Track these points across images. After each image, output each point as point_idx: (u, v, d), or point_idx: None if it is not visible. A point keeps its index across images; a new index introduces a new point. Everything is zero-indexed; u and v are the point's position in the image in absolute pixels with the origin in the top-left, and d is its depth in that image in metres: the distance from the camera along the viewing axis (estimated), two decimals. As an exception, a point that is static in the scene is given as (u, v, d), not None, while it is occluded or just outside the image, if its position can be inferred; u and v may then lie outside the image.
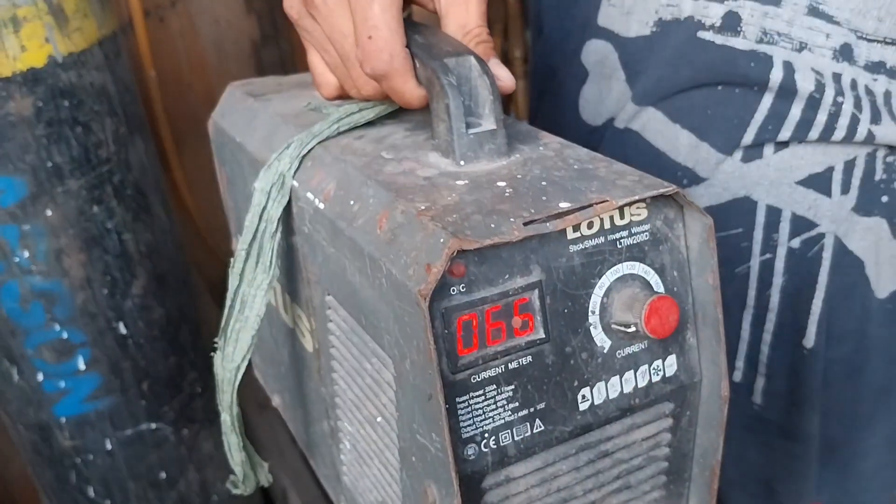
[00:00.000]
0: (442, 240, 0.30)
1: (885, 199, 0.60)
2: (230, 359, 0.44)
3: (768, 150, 0.59)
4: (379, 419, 0.38)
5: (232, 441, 0.46)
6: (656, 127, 0.62)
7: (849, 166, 0.60)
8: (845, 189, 0.60)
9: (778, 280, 0.62)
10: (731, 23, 0.57)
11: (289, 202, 0.43)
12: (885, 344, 0.66)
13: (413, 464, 0.35)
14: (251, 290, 0.43)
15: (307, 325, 0.46)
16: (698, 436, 0.41)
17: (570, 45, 0.65)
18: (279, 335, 0.54)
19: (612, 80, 0.64)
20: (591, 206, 0.33)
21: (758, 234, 0.60)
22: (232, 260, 0.44)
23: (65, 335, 0.87)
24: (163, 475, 1.03)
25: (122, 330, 0.90)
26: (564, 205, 0.33)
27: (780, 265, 0.62)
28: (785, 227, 0.61)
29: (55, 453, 0.97)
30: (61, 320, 0.87)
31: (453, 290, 0.31)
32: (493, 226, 0.32)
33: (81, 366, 0.90)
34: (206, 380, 1.06)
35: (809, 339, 0.64)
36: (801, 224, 0.60)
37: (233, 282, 0.44)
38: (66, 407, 0.92)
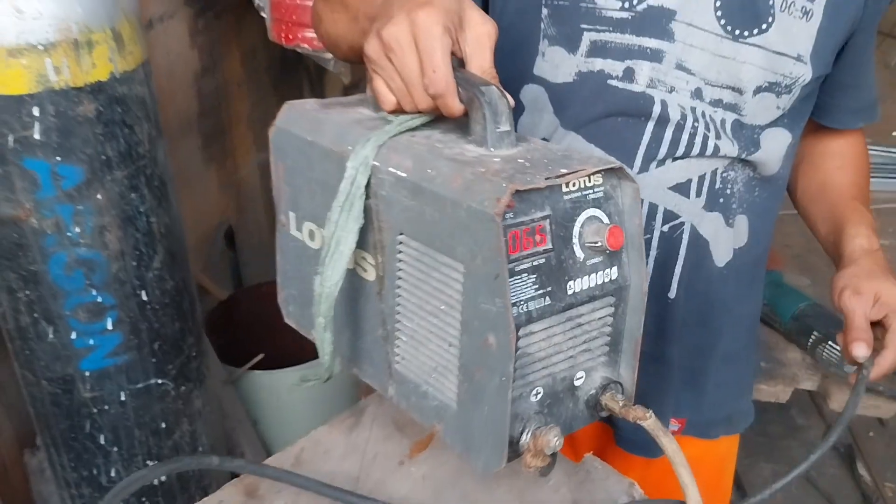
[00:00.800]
0: (504, 185, 0.55)
1: (721, 200, 0.91)
2: (329, 279, 0.67)
3: (652, 165, 0.87)
4: (443, 307, 0.62)
5: (326, 338, 0.69)
6: (578, 146, 0.88)
7: (701, 178, 0.89)
8: (698, 193, 0.90)
9: (653, 252, 0.90)
10: (629, 74, 0.85)
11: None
12: (723, 297, 0.96)
13: (475, 326, 0.59)
14: (344, 234, 0.66)
15: (371, 262, 0.69)
16: (627, 319, 0.67)
17: (511, 87, 0.91)
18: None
19: (544, 113, 0.90)
20: (575, 172, 0.59)
21: (642, 221, 0.90)
22: (329, 214, 0.66)
23: (99, 299, 1.05)
24: (163, 425, 1.21)
25: (144, 297, 1.09)
26: (563, 170, 0.59)
27: (654, 242, 0.90)
28: (659, 217, 0.89)
29: (74, 404, 1.14)
30: (97, 286, 1.05)
31: (507, 217, 0.56)
32: (528, 179, 0.56)
33: (109, 326, 1.08)
34: (200, 345, 1.26)
35: (672, 293, 0.92)
36: (669, 215, 0.89)
37: (329, 229, 0.66)
38: (92, 362, 1.11)
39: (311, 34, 1.44)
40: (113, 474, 1.17)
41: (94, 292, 1.04)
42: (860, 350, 0.83)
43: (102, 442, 1.18)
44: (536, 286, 0.59)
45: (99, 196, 0.98)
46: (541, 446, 0.61)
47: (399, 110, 0.69)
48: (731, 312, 0.99)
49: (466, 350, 0.61)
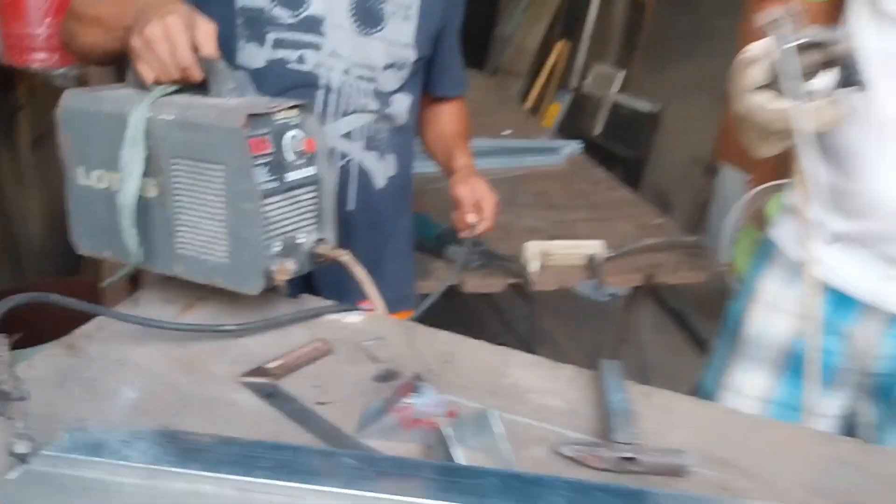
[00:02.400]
0: (242, 112, 0.95)
1: (374, 143, 1.39)
2: (127, 193, 1.01)
3: (327, 121, 1.30)
4: (210, 197, 1.00)
5: (131, 234, 1.02)
6: None
7: (359, 129, 1.35)
8: (358, 139, 1.35)
9: (345, 178, 1.34)
10: (301, 60, 1.28)
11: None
12: (385, 210, 1.43)
13: (235, 202, 0.97)
14: (132, 163, 1.01)
15: (153, 183, 1.04)
16: (324, 200, 1.09)
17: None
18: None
19: (249, 89, 1.30)
20: (280, 106, 1.00)
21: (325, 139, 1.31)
22: (120, 153, 1.01)
23: None
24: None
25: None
26: (272, 105, 1.00)
27: (345, 170, 1.33)
28: (337, 155, 1.33)
29: None
30: None
31: (247, 131, 0.95)
32: (254, 110, 0.97)
33: None
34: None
35: (350, 205, 1.37)
36: (342, 155, 1.34)
37: (122, 162, 1.01)
38: None
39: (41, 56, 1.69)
40: None
41: None
42: (471, 217, 1.34)
43: None
44: (268, 175, 0.99)
45: None
46: (284, 270, 1.01)
47: (157, 82, 1.05)
48: (392, 221, 1.46)
49: (231, 220, 1.00)
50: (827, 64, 0.93)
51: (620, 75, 4.61)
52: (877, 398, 1.19)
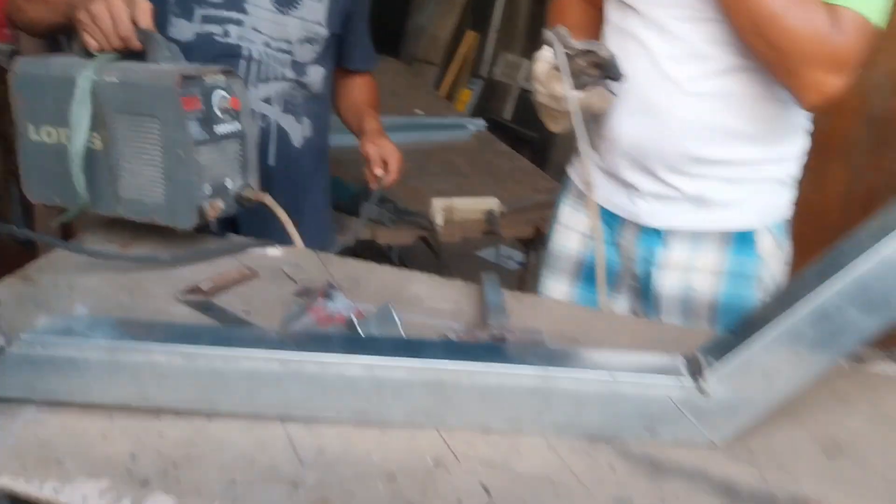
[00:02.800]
0: (176, 73, 1.13)
1: (291, 108, 1.58)
2: (77, 142, 1.18)
3: (250, 87, 1.49)
4: (148, 146, 1.18)
5: (80, 178, 1.20)
6: None
7: (277, 94, 1.53)
8: (276, 104, 1.54)
9: (266, 137, 1.53)
10: (226, 33, 1.47)
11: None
12: (303, 167, 1.63)
13: (171, 149, 1.16)
14: (80, 118, 1.18)
15: (98, 137, 1.22)
16: (249, 151, 1.28)
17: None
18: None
19: (180, 59, 1.48)
20: (209, 70, 1.19)
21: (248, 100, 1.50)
22: (70, 110, 1.18)
23: None
24: None
25: None
26: (202, 69, 1.18)
27: (265, 130, 1.52)
28: (258, 117, 1.50)
29: None
30: None
31: (180, 90, 1.14)
32: (186, 72, 1.15)
33: None
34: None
35: (270, 161, 1.56)
36: (263, 117, 1.54)
37: (71, 117, 1.18)
38: None
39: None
40: None
41: None
42: (378, 171, 1.55)
43: None
44: (199, 128, 1.18)
45: None
46: (215, 207, 1.20)
47: (101, 51, 1.22)
48: (309, 178, 1.65)
49: (167, 166, 1.18)
50: (595, 65, 1.24)
51: (527, 64, 4.89)
52: (642, 296, 1.46)
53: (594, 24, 1.43)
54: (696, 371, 0.90)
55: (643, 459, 0.89)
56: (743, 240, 1.36)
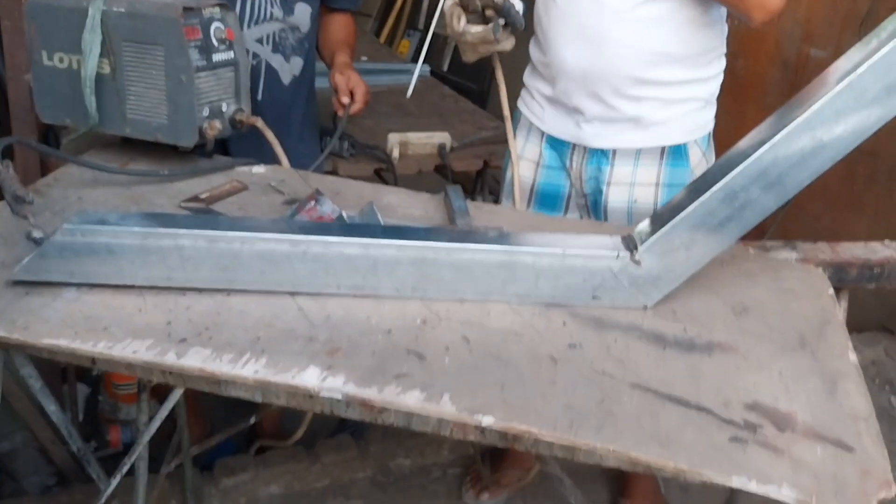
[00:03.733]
0: (179, 5, 1.28)
1: (280, 48, 1.73)
2: (89, 66, 1.32)
3: (244, 27, 1.62)
4: (153, 71, 1.32)
5: (92, 100, 1.33)
6: None
7: (268, 35, 1.68)
8: (267, 43, 1.69)
9: (256, 75, 1.67)
10: None
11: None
12: (290, 102, 1.78)
13: (173, 74, 1.30)
14: (92, 44, 1.31)
15: (107, 62, 1.35)
16: (241, 78, 1.43)
17: None
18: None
19: None
20: (205, 3, 1.34)
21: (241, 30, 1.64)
22: (82, 37, 1.31)
23: None
24: None
25: None
26: (201, 2, 1.33)
27: (256, 69, 1.66)
28: (250, 56, 1.64)
29: None
30: None
31: (182, 20, 1.29)
32: (188, 4, 1.30)
33: None
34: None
35: (259, 96, 1.71)
36: (254, 55, 1.68)
37: (83, 44, 1.31)
38: None
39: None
40: None
41: None
42: (345, 99, 1.70)
43: None
44: (198, 55, 1.32)
45: None
46: (213, 127, 1.35)
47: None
48: (295, 112, 1.81)
49: (170, 88, 1.33)
50: (494, 8, 1.35)
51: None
52: (591, 212, 1.67)
53: None
54: (631, 247, 1.10)
55: (590, 318, 1.10)
56: (676, 153, 1.58)
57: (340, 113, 1.73)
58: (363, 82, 1.76)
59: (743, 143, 1.09)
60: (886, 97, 1.00)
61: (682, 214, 1.07)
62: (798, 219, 3.15)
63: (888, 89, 0.99)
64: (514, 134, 1.70)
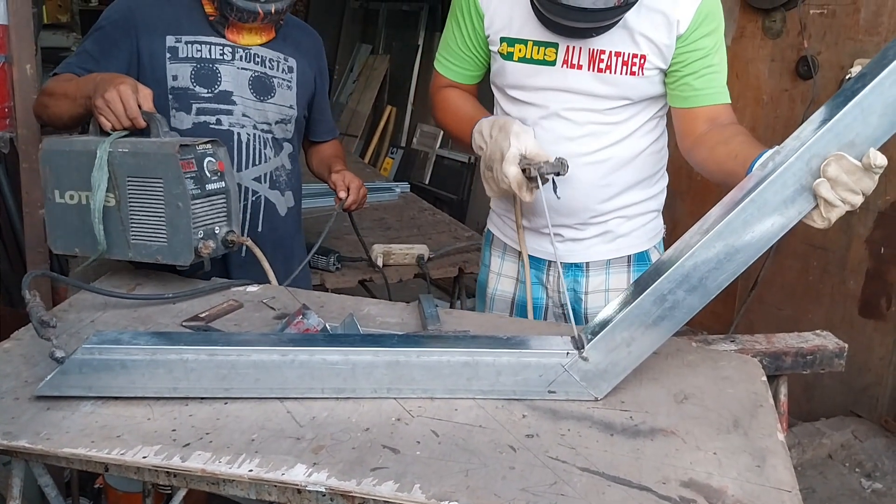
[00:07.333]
0: (176, 143, 1.47)
1: (276, 184, 1.91)
2: (97, 200, 1.49)
3: (242, 168, 1.81)
4: (153, 200, 1.50)
5: (100, 230, 1.50)
6: None
7: (265, 175, 1.86)
8: (265, 181, 1.86)
9: (249, 210, 1.85)
10: (219, 122, 1.80)
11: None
12: (286, 231, 1.95)
13: (172, 202, 1.48)
14: (100, 181, 1.49)
15: (112, 196, 1.52)
16: (232, 204, 1.61)
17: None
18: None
19: (176, 135, 1.81)
20: (200, 140, 1.53)
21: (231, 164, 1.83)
22: (91, 175, 1.49)
23: None
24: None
25: None
26: (195, 140, 1.52)
27: (249, 204, 1.84)
28: (250, 192, 1.81)
29: None
30: None
31: (179, 155, 1.47)
32: (183, 142, 1.49)
33: None
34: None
35: (259, 229, 1.86)
36: (253, 192, 1.85)
37: (93, 181, 1.49)
38: None
39: None
40: None
41: None
42: (342, 193, 1.89)
43: None
44: (193, 185, 1.50)
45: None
46: (207, 247, 1.52)
47: (113, 129, 1.54)
48: (291, 240, 1.98)
49: (169, 214, 1.50)
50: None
51: (441, 133, 5.34)
52: (575, 318, 1.80)
53: (474, 103, 1.77)
54: (579, 345, 1.26)
55: (547, 410, 1.24)
56: (640, 259, 1.79)
57: (338, 207, 1.91)
58: (358, 179, 1.95)
59: (669, 252, 1.26)
60: (784, 208, 1.18)
61: (621, 315, 1.23)
62: (761, 311, 3.32)
63: (786, 202, 1.18)
64: (490, 251, 1.87)
